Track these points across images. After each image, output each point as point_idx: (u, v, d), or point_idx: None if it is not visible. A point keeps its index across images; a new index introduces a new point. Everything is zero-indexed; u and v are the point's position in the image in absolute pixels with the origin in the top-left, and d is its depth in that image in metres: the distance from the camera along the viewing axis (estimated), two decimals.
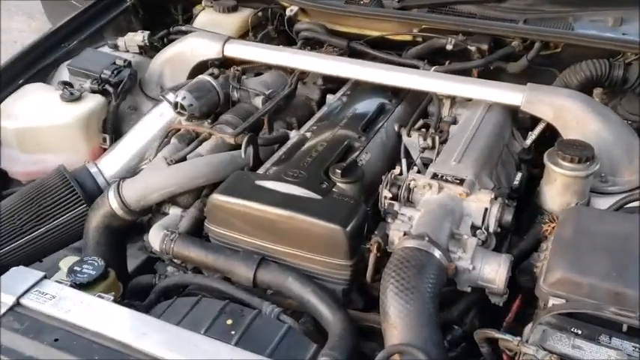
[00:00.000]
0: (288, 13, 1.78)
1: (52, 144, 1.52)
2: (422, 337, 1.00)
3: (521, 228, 1.26)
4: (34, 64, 1.67)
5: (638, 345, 0.94)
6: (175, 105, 1.42)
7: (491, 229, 1.17)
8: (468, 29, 1.57)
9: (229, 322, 1.10)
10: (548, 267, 1.05)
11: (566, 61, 1.50)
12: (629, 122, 1.39)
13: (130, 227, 1.38)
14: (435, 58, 1.63)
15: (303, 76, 1.64)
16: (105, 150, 1.55)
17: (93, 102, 1.55)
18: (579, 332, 0.97)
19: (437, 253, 1.08)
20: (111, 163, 1.47)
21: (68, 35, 1.78)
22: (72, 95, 1.54)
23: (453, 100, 1.45)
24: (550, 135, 1.35)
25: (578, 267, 1.02)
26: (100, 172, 1.45)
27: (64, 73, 1.67)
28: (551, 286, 1.02)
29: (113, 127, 1.56)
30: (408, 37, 1.67)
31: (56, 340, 1.04)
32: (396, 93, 1.56)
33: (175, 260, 1.30)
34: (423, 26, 1.63)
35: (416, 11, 1.70)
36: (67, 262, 1.27)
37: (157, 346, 1.01)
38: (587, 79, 1.43)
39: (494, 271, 1.10)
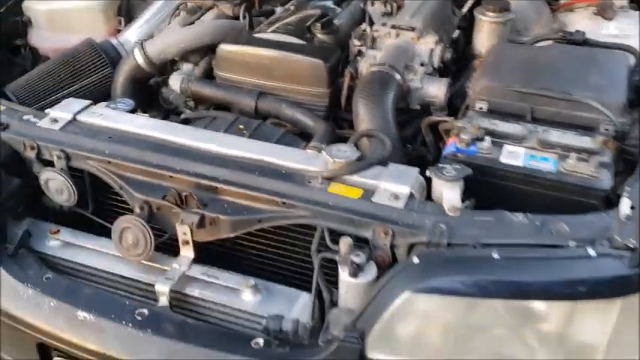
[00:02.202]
0: None
1: (77, 24, 1.84)
2: (384, 127, 1.38)
3: None
4: None
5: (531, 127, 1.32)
6: None
7: (435, 65, 1.55)
8: None
9: (241, 126, 1.46)
10: (474, 81, 1.43)
11: None
12: None
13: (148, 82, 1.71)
14: None
15: None
16: (119, 32, 1.88)
17: None
18: (495, 119, 1.37)
19: (395, 75, 1.46)
20: (129, 37, 1.80)
21: None
22: None
23: None
24: None
25: (497, 78, 1.41)
26: (120, 43, 1.78)
27: None
28: (477, 94, 1.40)
29: (126, 12, 1.88)
30: None
31: (110, 137, 1.37)
32: None
33: (189, 103, 1.64)
34: None
35: None
36: None
37: (189, 140, 1.36)
38: None
39: (436, 89, 1.49)
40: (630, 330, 1.09)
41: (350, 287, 1.16)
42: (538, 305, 1.08)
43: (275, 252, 1.31)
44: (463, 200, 1.19)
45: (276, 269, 1.32)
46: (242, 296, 1.26)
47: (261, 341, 1.17)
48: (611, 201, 1.19)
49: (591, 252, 1.08)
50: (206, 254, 1.32)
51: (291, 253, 1.30)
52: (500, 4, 1.56)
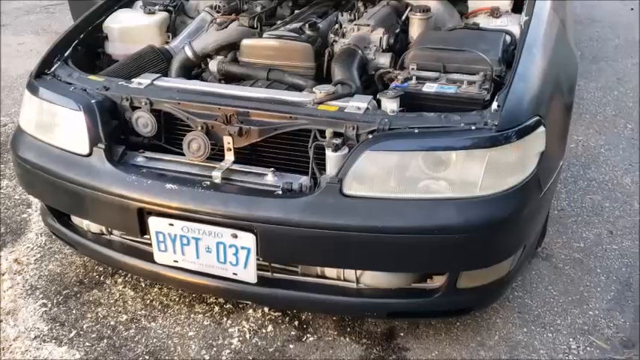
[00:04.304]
0: None
1: (139, 37, 2.64)
2: (350, 78, 2.18)
3: None
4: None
5: (444, 75, 2.13)
6: (216, 7, 2.61)
7: (383, 47, 2.37)
8: None
9: (259, 83, 2.25)
10: (408, 53, 2.25)
11: None
12: None
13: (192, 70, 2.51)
14: None
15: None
16: (168, 42, 2.69)
17: (161, 15, 2.72)
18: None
19: (358, 50, 2.28)
20: (176, 44, 2.61)
21: None
22: (150, 11, 2.70)
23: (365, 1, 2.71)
24: None
25: (421, 48, 2.23)
26: (171, 48, 2.59)
27: (139, 5, 2.81)
28: (410, 59, 2.23)
29: (173, 29, 2.71)
30: None
31: (177, 90, 2.15)
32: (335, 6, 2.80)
33: (222, 82, 2.43)
34: None
35: None
36: None
37: (226, 90, 2.14)
38: None
39: (384, 59, 2.31)
40: (495, 170, 1.86)
41: (332, 159, 1.92)
42: (442, 155, 1.86)
43: (287, 152, 2.06)
44: (400, 110, 1.99)
45: (289, 163, 2.06)
46: (266, 178, 2.01)
47: (280, 192, 1.92)
48: (487, 106, 1.98)
49: (473, 127, 1.87)
50: (244, 159, 2.08)
51: (297, 151, 2.05)
52: (423, 7, 2.43)
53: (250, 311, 2.37)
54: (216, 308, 2.38)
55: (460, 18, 2.60)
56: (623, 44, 5.14)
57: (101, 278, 2.54)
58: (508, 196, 1.88)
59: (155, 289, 2.47)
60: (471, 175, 1.86)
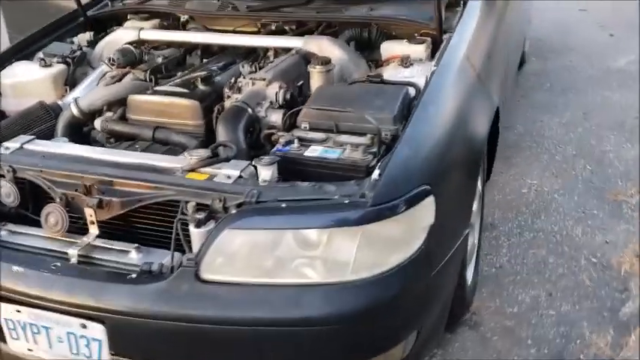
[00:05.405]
0: (182, 19, 2.84)
1: (33, 92, 2.47)
2: (233, 140, 1.98)
3: None
4: (21, 51, 2.66)
5: (334, 135, 1.93)
6: (110, 60, 2.43)
7: (280, 102, 2.17)
8: (287, 19, 2.65)
9: (137, 146, 2.06)
10: (300, 109, 2.06)
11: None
12: None
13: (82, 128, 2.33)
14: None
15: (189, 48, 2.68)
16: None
17: (58, 67, 2.54)
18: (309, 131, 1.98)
19: (247, 108, 2.08)
20: (70, 99, 2.43)
21: (41, 37, 2.79)
22: (45, 64, 2.53)
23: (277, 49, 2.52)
24: None
25: (313, 105, 2.03)
26: (63, 103, 2.41)
27: (38, 56, 2.64)
28: (301, 117, 2.02)
29: (72, 83, 2.54)
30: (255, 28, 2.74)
31: (43, 156, 1.97)
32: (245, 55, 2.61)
33: (110, 140, 2.25)
34: (262, 21, 2.70)
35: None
36: None
37: (94, 154, 1.96)
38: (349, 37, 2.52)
39: (276, 117, 2.10)
40: (371, 249, 1.64)
41: (195, 236, 1.71)
42: (309, 233, 1.64)
43: (158, 225, 1.86)
44: (279, 178, 1.79)
45: (161, 238, 1.86)
46: (129, 256, 1.81)
47: (134, 275, 1.71)
48: (372, 172, 1.77)
49: (346, 200, 1.66)
50: (108, 233, 1.88)
51: (169, 225, 1.85)
52: (322, 59, 2.23)
53: None
54: None
55: (369, 68, 2.39)
56: (596, 74, 4.91)
57: None
58: (388, 278, 1.66)
59: None
60: (342, 256, 1.64)
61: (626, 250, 2.79)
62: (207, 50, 2.69)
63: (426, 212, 1.73)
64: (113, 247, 1.83)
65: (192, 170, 1.82)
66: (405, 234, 1.70)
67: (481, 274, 2.64)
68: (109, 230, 1.87)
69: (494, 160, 2.72)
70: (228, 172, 1.79)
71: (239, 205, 1.70)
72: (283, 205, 1.67)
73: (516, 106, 4.32)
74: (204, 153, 1.87)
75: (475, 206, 2.30)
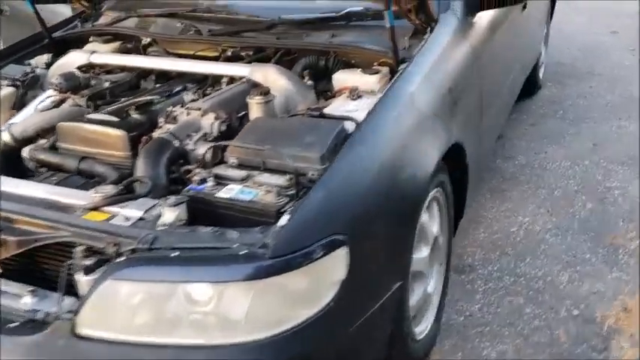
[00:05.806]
0: (143, 41, 2.73)
1: None
2: (152, 176, 1.83)
3: None
4: None
5: (257, 173, 1.76)
6: (54, 84, 2.34)
7: (215, 134, 2.02)
8: (247, 44, 2.51)
9: (54, 178, 1.94)
10: (227, 143, 1.90)
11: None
12: None
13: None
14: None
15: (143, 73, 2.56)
16: None
17: (6, 90, 2.45)
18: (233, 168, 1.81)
19: (173, 140, 1.94)
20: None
21: (3, 58, 2.72)
22: None
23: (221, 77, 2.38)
24: None
25: (241, 141, 1.86)
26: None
27: None
28: (229, 152, 1.86)
29: (19, 106, 2.45)
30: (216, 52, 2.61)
31: None
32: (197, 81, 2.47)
33: (40, 169, 2.14)
34: (222, 46, 2.56)
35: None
36: None
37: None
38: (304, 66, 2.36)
39: (203, 150, 1.95)
40: (267, 307, 1.47)
41: (83, 284, 1.57)
42: (197, 288, 1.48)
43: (57, 266, 1.73)
44: (190, 221, 1.63)
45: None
46: (22, 300, 1.68)
47: (17, 324, 1.58)
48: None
49: (244, 250, 1.49)
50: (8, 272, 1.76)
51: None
52: (262, 89, 2.07)
53: None
54: None
55: (317, 99, 2.21)
56: (615, 102, 4.59)
57: None
58: (286, 339, 1.48)
59: None
60: (233, 314, 1.46)
61: (615, 303, 2.52)
62: (164, 75, 2.56)
63: (335, 265, 1.54)
64: (7, 290, 1.70)
65: (95, 209, 1.69)
66: (309, 290, 1.52)
67: (447, 322, 2.42)
68: (16, 269, 1.76)
69: (466, 198, 2.49)
70: (128, 213, 1.64)
71: (133, 252, 1.55)
72: (173, 254, 1.51)
73: (522, 135, 4.07)
74: (111, 189, 1.73)
75: (425, 253, 2.09)
